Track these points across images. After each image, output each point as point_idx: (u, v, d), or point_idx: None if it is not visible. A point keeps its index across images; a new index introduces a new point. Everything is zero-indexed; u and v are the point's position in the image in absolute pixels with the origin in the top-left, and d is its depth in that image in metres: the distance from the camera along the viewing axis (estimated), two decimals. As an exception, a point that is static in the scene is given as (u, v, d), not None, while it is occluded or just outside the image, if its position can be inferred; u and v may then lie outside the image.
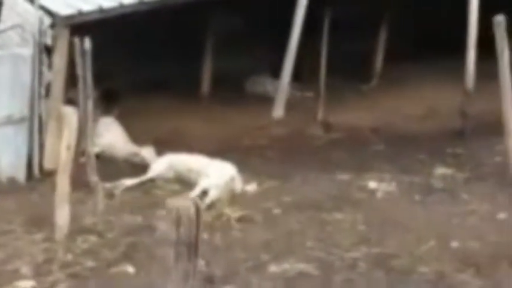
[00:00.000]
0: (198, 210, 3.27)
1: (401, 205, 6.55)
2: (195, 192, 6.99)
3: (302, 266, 5.40)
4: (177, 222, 3.22)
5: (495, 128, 7.99)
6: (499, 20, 4.70)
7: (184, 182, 7.40)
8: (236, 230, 6.24)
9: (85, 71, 6.33)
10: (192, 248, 3.24)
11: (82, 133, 6.33)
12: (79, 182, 6.58)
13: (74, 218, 6.13)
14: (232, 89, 10.70)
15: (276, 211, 6.56)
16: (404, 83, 11.07)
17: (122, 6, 8.14)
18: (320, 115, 9.98)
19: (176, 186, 7.35)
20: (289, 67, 10.00)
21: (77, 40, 6.46)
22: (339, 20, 10.37)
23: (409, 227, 5.97)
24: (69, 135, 5.83)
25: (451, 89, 10.17)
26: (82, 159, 6.79)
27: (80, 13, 7.72)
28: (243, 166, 7.47)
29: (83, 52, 6.33)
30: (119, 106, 9.51)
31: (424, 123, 9.93)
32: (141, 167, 7.88)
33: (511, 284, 4.58)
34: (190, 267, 3.27)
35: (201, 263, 4.52)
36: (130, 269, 5.52)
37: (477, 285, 4.98)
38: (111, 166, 7.91)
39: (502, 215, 6.03)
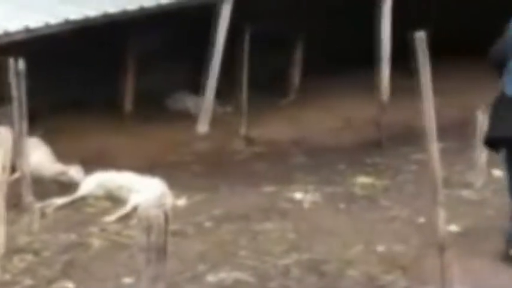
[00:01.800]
0: (166, 218, 3.51)
1: (327, 213, 6.85)
2: (127, 208, 7.14)
3: (238, 275, 5.61)
4: (148, 229, 3.44)
5: (409, 138, 8.45)
6: (420, 36, 5.05)
7: (114, 199, 7.52)
8: (169, 243, 6.39)
9: (20, 92, 6.42)
10: (161, 253, 3.47)
11: (16, 153, 6.39)
12: (10, 202, 6.63)
13: (9, 237, 6.18)
14: (154, 107, 10.87)
15: (208, 224, 6.75)
16: (322, 97, 11.46)
17: (48, 26, 8.22)
18: (242, 130, 10.26)
19: (107, 204, 7.47)
20: (212, 83, 10.25)
21: (11, 60, 6.53)
22: (258, 36, 10.69)
23: (336, 233, 6.26)
24: (3, 156, 5.89)
25: (366, 101, 10.62)
26: (14, 179, 6.84)
27: (6, 33, 7.78)
28: (172, 181, 7.64)
29: (17, 73, 6.41)
30: (42, 126, 9.54)
31: (342, 135, 10.34)
32: (69, 186, 7.96)
33: (435, 281, 4.91)
34: (160, 271, 3.50)
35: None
36: (70, 285, 5.62)
37: (404, 285, 5.32)
38: (39, 186, 7.94)
39: (421, 219, 6.40)
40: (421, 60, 5.02)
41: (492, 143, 5.71)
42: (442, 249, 5.30)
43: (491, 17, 12.74)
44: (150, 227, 3.46)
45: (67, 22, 8.67)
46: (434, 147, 5.25)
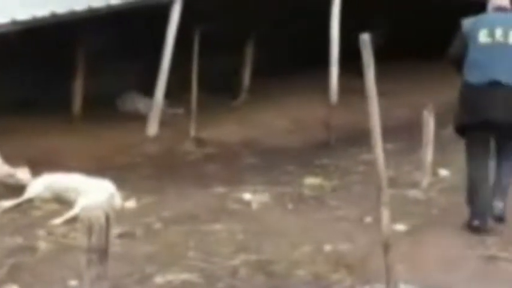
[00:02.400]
0: (108, 219, 3.50)
1: (276, 214, 6.88)
2: (74, 210, 7.08)
3: (186, 276, 5.60)
4: (89, 230, 3.43)
5: (358, 139, 8.56)
6: (365, 38, 5.12)
7: (62, 202, 7.45)
8: (118, 245, 6.36)
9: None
10: (103, 254, 3.47)
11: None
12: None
13: (-46, 241, 6.10)
14: (104, 108, 10.81)
15: (157, 225, 6.73)
16: (272, 98, 11.53)
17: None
18: (192, 131, 10.26)
19: (55, 206, 7.39)
20: (162, 84, 10.24)
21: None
22: (209, 37, 10.70)
23: (284, 234, 6.29)
24: None
25: (316, 102, 10.72)
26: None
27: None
28: (120, 183, 7.61)
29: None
30: (-12, 127, 9.43)
31: (292, 136, 10.41)
32: (16, 189, 7.86)
33: (380, 280, 4.97)
34: (101, 271, 3.49)
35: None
36: (16, 288, 5.56)
37: (350, 284, 5.38)
38: (-15, 189, 7.85)
39: (368, 219, 6.48)
40: (366, 62, 5.09)
41: (458, 129, 6.31)
42: (386, 248, 5.38)
43: (439, 21, 12.99)
44: (92, 228, 3.45)
45: (14, 23, 8.58)
46: (380, 147, 5.33)
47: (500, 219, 6.29)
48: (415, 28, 14.21)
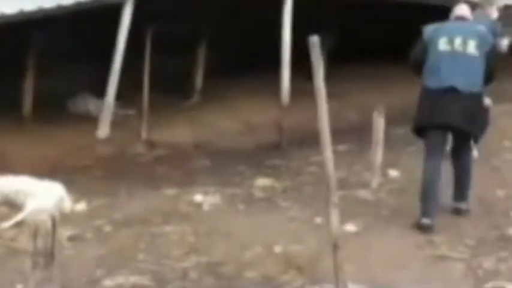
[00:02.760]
0: (54, 223, 3.47)
1: (227, 216, 6.89)
2: (23, 214, 6.99)
3: (136, 279, 5.59)
4: (35, 234, 3.39)
5: (309, 140, 8.59)
6: (314, 40, 5.17)
7: (12, 205, 7.34)
8: (68, 248, 6.32)
9: None
10: (49, 257, 3.43)
11: None
12: None
13: None
14: (54, 109, 10.68)
15: (107, 228, 6.69)
16: (224, 100, 11.52)
17: None
18: (144, 133, 10.21)
19: (4, 209, 7.29)
20: (113, 86, 10.14)
21: None
22: (161, 37, 10.65)
23: (235, 235, 6.31)
24: None
25: (268, 104, 10.74)
26: None
27: None
28: (71, 186, 7.51)
29: None
30: None
31: (244, 137, 10.43)
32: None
33: (329, 280, 5.02)
34: (47, 274, 3.46)
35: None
36: (-37, 293, 5.48)
37: (300, 284, 5.42)
38: None
39: (318, 220, 6.53)
40: (315, 64, 5.13)
41: (416, 130, 6.64)
42: (336, 248, 5.42)
43: (391, 23, 13.13)
44: (37, 232, 3.42)
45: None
46: (329, 149, 5.37)
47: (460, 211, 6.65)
48: (367, 30, 14.33)
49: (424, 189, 6.44)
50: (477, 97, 6.47)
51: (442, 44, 6.39)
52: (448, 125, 6.39)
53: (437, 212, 6.45)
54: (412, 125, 6.69)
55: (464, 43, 6.37)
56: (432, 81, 6.39)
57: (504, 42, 8.51)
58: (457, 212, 6.72)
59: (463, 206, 6.72)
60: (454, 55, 6.36)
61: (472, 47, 6.38)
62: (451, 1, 8.50)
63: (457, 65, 6.34)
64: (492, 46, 6.61)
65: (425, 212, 6.39)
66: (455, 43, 6.37)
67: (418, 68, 6.54)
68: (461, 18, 6.70)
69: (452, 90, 6.29)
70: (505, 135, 9.40)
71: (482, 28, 6.67)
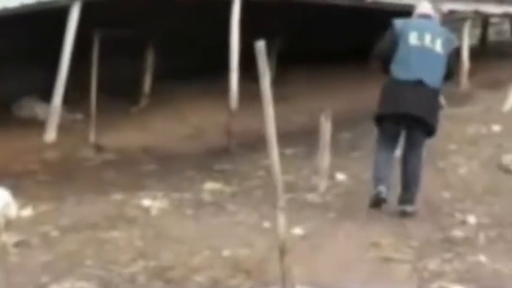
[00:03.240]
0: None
1: (175, 220, 6.87)
2: (-32, 219, 6.89)
3: (82, 284, 5.54)
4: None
5: (258, 144, 8.63)
6: (260, 45, 5.21)
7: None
8: (13, 255, 6.24)
9: None
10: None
11: None
12: None
13: None
14: (0, 113, 10.54)
15: (54, 233, 6.61)
16: (173, 104, 11.51)
17: None
18: (92, 137, 10.13)
19: None
20: (60, 90, 10.04)
21: None
22: (109, 41, 10.59)
23: (183, 240, 6.29)
24: None
25: (217, 108, 10.75)
26: None
27: None
28: (16, 191, 7.45)
29: None
30: None
31: (193, 142, 10.42)
32: None
33: (277, 283, 5.05)
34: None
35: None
36: None
37: (248, 288, 5.44)
38: None
39: (266, 224, 6.55)
40: (261, 70, 5.16)
41: (380, 118, 6.85)
42: (283, 252, 5.46)
43: (341, 27, 13.25)
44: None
45: None
46: (276, 153, 5.41)
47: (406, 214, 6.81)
48: (316, 34, 14.44)
49: (376, 172, 6.78)
50: (438, 93, 6.83)
51: (413, 39, 6.70)
52: (413, 115, 6.66)
53: (386, 192, 6.70)
54: (376, 112, 6.92)
55: (433, 40, 6.72)
56: (401, 73, 6.69)
57: None
58: (403, 214, 6.83)
59: (409, 208, 6.84)
60: (423, 50, 6.69)
61: (439, 46, 6.73)
62: (401, 6, 8.65)
63: (426, 60, 6.67)
64: (455, 47, 7.07)
65: (375, 190, 6.71)
66: (425, 39, 6.70)
67: (382, 58, 6.85)
68: (425, 16, 7.01)
69: (419, 83, 6.63)
70: (450, 138, 9.57)
71: (446, 29, 7.14)
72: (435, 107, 6.82)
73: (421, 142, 6.87)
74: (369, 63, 7.14)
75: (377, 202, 6.76)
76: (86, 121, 10.46)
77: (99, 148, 9.92)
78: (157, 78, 12.24)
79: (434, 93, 6.77)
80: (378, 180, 6.75)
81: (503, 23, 20.03)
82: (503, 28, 20.15)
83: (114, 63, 11.31)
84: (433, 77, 6.72)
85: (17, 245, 6.38)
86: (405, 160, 6.85)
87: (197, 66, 12.24)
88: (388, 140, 6.80)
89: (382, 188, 6.68)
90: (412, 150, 6.81)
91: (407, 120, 6.71)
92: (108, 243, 6.33)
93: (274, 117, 5.42)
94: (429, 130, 6.83)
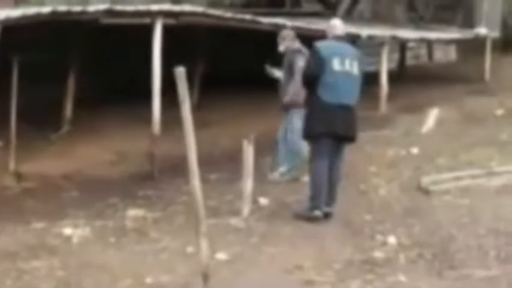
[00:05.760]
0: None
1: (97, 248, 6.79)
2: None
3: (0, 316, 5.43)
4: None
5: (181, 169, 8.60)
6: (180, 71, 5.24)
7: None
8: None
9: None
10: None
11: None
12: None
13: None
14: None
15: (-29, 264, 6.47)
16: (94, 130, 11.39)
17: None
18: (11, 165, 9.94)
19: None
20: (-22, 117, 9.83)
21: None
22: (30, 67, 10.43)
23: (106, 268, 6.22)
24: None
25: (139, 134, 10.68)
26: None
27: None
28: None
29: None
30: None
31: (115, 168, 10.32)
32: None
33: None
34: None
35: None
36: None
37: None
38: None
39: (190, 249, 6.53)
40: (181, 95, 5.19)
41: (312, 136, 7.62)
42: (206, 277, 5.48)
43: (262, 51, 13.37)
44: None
45: None
46: (197, 179, 5.43)
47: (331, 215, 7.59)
48: (240, 58, 14.55)
49: (316, 187, 7.47)
50: (355, 109, 7.71)
51: (336, 65, 7.46)
52: (343, 136, 7.59)
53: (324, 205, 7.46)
54: (306, 131, 7.69)
55: (351, 64, 7.52)
56: (329, 97, 7.44)
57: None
58: (328, 215, 7.52)
59: (333, 209, 7.58)
60: (345, 75, 7.49)
61: (355, 68, 7.56)
62: (321, 32, 8.82)
63: (348, 84, 7.52)
64: (363, 67, 7.80)
65: (316, 207, 7.45)
66: (345, 64, 7.49)
67: (312, 82, 7.52)
68: (340, 38, 7.74)
69: (345, 106, 7.51)
70: (371, 161, 9.76)
71: (355, 49, 7.90)
72: (356, 121, 7.72)
73: (344, 154, 7.79)
74: (304, 87, 7.79)
75: (317, 220, 7.46)
76: (5, 149, 10.24)
77: (19, 176, 9.74)
78: (79, 104, 12.11)
79: (355, 110, 7.67)
80: (317, 199, 7.46)
81: (420, 47, 20.60)
82: (420, 52, 20.72)
83: (34, 89, 11.15)
84: (354, 97, 7.63)
85: None
86: (335, 167, 7.61)
87: (120, 90, 12.17)
88: (324, 153, 7.52)
89: (318, 213, 7.46)
90: (340, 159, 7.69)
91: (341, 138, 7.61)
92: (28, 273, 6.21)
93: (197, 142, 5.45)
94: (353, 141, 7.83)
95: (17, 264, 6.42)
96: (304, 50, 9.09)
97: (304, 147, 8.45)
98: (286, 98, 9.14)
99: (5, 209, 8.42)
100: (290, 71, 9.11)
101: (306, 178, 8.24)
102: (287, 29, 9.99)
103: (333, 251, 6.66)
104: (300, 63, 8.84)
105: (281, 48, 9.37)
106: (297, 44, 9.31)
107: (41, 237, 7.10)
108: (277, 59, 9.58)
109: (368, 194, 8.51)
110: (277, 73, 9.62)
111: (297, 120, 8.84)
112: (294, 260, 6.38)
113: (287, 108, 9.19)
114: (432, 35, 16.78)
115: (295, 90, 8.92)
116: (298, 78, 8.62)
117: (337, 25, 7.82)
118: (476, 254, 6.48)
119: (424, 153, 10.08)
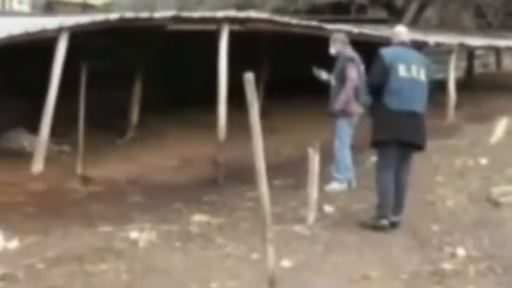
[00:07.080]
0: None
1: (162, 253, 6.81)
2: (-47, 252, 6.81)
3: (68, 319, 5.48)
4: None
5: (246, 176, 8.60)
6: (249, 77, 5.22)
7: None
8: (-2, 288, 6.16)
9: None
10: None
11: None
12: None
13: None
14: (-14, 145, 10.49)
15: (40, 266, 6.54)
16: (160, 136, 11.47)
17: None
18: (78, 169, 10.08)
19: None
20: (47, 121, 10.02)
21: None
22: (97, 73, 10.58)
23: (171, 272, 6.24)
24: None
25: (203, 140, 10.71)
26: None
27: None
28: (3, 223, 7.39)
29: None
30: None
31: (180, 173, 10.36)
32: None
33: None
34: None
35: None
36: None
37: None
38: None
39: (255, 255, 6.50)
40: (249, 101, 5.16)
41: (379, 144, 7.49)
42: (272, 284, 5.43)
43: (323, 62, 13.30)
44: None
45: None
46: (265, 185, 5.39)
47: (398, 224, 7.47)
48: (304, 65, 14.49)
49: (383, 195, 7.37)
50: (424, 116, 7.54)
51: (402, 71, 7.31)
52: (410, 142, 7.43)
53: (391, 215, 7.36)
54: (373, 139, 7.53)
55: (418, 71, 7.37)
56: (394, 104, 7.30)
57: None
58: (395, 225, 7.44)
59: (400, 218, 7.49)
60: (412, 81, 7.33)
61: (422, 75, 7.41)
62: (386, 39, 8.72)
63: (415, 91, 7.35)
64: (431, 74, 7.59)
65: (382, 216, 7.34)
66: (412, 70, 7.34)
67: (377, 89, 7.37)
68: (404, 44, 7.59)
69: (412, 113, 7.34)
70: (438, 170, 9.58)
71: (423, 55, 7.78)
72: (425, 129, 7.53)
73: (411, 163, 7.63)
74: (370, 95, 7.73)
75: (384, 229, 7.37)
76: (73, 153, 10.40)
77: (86, 180, 9.87)
78: (145, 110, 12.23)
79: (423, 117, 7.49)
80: (384, 208, 7.35)
81: (489, 55, 20.23)
82: (488, 60, 20.35)
83: (102, 94, 11.31)
84: (421, 104, 7.45)
85: (3, 278, 6.30)
86: (402, 176, 7.49)
87: (185, 96, 12.25)
88: (391, 162, 7.40)
89: (385, 222, 7.35)
90: (407, 168, 7.55)
91: (407, 145, 7.45)
92: (95, 276, 6.26)
93: (262, 149, 5.42)
94: (422, 149, 7.63)
95: (84, 267, 6.48)
96: (357, 57, 9.00)
97: (348, 155, 8.82)
98: (337, 106, 9.04)
99: (72, 212, 8.54)
100: (342, 78, 9.02)
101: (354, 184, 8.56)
102: (339, 32, 9.85)
103: (400, 261, 6.55)
104: (353, 73, 8.81)
105: (332, 50, 9.26)
106: (349, 50, 9.18)
107: (107, 240, 7.16)
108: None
109: (435, 204, 8.34)
110: (324, 75, 9.44)
111: (345, 128, 8.84)
112: (359, 270, 6.29)
113: (336, 115, 9.11)
114: (501, 42, 16.45)
115: (346, 99, 8.87)
116: (350, 86, 8.79)
117: (401, 31, 7.71)
118: (548, 268, 6.29)
119: (493, 164, 9.84)
